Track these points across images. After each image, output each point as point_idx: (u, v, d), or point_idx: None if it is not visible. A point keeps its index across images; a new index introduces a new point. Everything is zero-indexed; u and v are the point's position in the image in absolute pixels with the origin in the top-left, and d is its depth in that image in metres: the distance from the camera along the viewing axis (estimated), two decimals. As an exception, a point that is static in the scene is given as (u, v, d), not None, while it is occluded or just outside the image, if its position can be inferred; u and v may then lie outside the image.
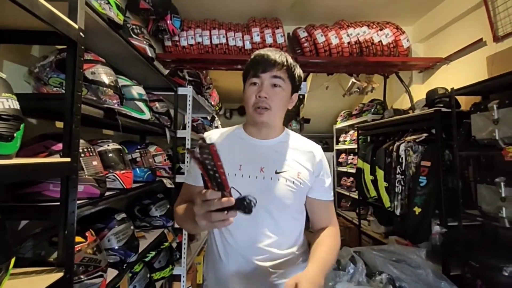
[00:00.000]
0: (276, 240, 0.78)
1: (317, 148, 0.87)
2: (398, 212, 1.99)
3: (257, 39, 2.22)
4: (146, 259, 1.52)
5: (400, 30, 2.33)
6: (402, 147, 1.96)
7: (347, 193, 3.69)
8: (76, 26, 0.71)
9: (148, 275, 1.46)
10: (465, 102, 1.85)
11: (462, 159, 1.75)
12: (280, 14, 2.39)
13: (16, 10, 0.57)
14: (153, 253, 1.59)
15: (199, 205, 0.54)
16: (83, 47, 0.74)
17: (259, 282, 0.77)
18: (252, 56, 0.81)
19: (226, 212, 0.52)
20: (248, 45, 2.24)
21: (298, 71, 0.83)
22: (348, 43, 2.24)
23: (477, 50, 2.02)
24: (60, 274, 0.68)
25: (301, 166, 0.81)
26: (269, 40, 2.21)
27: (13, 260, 0.60)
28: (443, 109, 1.73)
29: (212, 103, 2.72)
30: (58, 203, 0.73)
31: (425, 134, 1.93)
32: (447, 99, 1.81)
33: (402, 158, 1.95)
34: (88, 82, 0.92)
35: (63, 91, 0.87)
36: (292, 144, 0.85)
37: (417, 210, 1.77)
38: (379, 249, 1.67)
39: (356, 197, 3.03)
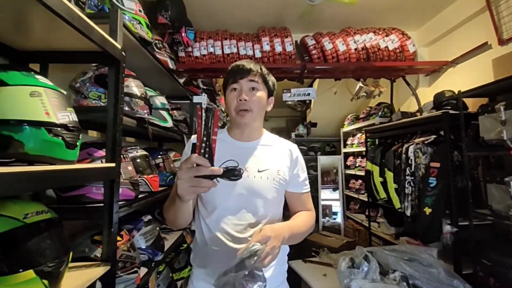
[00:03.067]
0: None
1: (294, 147, 0.97)
2: (408, 213, 2.02)
3: (266, 48, 2.30)
4: (167, 260, 1.59)
5: (405, 36, 2.40)
6: (411, 149, 2.01)
7: (356, 196, 3.71)
8: (119, 47, 0.80)
9: (170, 275, 1.53)
10: (472, 104, 1.89)
11: (471, 160, 1.78)
12: (288, 23, 2.48)
13: (72, 35, 0.66)
14: (173, 254, 1.67)
15: (186, 169, 0.57)
16: (124, 65, 0.83)
17: None
18: (229, 67, 0.91)
19: (212, 179, 0.57)
20: (258, 54, 2.33)
21: (272, 78, 0.94)
22: (355, 49, 2.32)
23: (482, 53, 2.07)
24: (107, 267, 0.76)
25: (281, 164, 0.91)
26: (278, 48, 2.29)
27: (71, 254, 0.69)
28: (451, 111, 1.78)
29: (223, 109, 2.80)
30: (102, 204, 0.82)
31: (434, 136, 1.97)
32: (454, 101, 1.85)
33: (411, 160, 1.99)
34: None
35: (101, 104, 0.96)
36: (272, 144, 0.95)
37: (428, 210, 1.81)
38: (391, 249, 1.71)
39: (365, 199, 3.06)
